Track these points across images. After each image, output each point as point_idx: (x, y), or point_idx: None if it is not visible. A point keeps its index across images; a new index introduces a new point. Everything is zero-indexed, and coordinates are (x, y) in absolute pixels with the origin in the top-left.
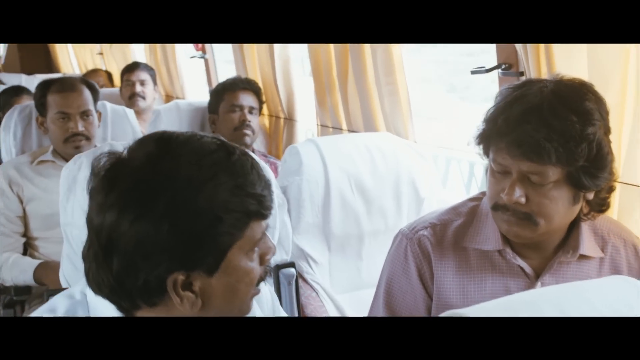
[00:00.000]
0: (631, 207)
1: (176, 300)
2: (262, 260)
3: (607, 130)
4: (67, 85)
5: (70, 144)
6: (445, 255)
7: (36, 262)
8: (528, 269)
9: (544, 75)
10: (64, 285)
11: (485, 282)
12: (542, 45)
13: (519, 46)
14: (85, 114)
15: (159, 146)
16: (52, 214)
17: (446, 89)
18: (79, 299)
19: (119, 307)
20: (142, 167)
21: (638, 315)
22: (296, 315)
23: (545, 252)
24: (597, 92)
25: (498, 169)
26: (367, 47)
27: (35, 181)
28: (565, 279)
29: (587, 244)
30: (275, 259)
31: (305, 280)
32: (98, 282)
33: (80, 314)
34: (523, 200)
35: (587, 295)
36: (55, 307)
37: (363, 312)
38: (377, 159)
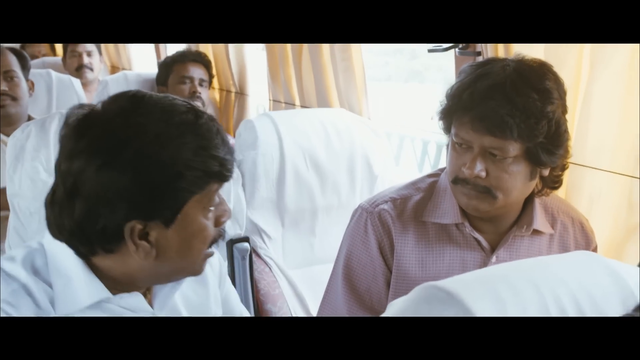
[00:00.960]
0: (579, 186)
1: (132, 248)
2: (218, 222)
3: (565, 110)
4: None
5: None
6: (405, 228)
7: None
8: (484, 243)
9: (501, 55)
10: None
11: (444, 255)
12: None
13: None
14: (8, 75)
15: (132, 102)
16: None
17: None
18: (36, 247)
19: (77, 252)
20: (113, 119)
21: (604, 289)
22: (249, 290)
23: (501, 227)
24: (556, 73)
25: (460, 143)
26: None
27: None
28: (518, 253)
29: (540, 219)
30: (229, 234)
31: (258, 255)
32: (59, 225)
33: (38, 260)
34: (483, 174)
35: (555, 269)
36: (14, 256)
37: (315, 287)
38: (332, 135)
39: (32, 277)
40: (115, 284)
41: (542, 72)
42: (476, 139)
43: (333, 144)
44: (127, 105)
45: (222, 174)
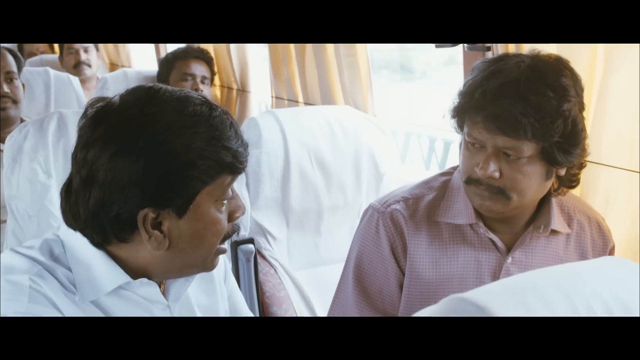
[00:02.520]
0: (594, 184)
1: (145, 236)
2: (231, 217)
3: (582, 107)
4: None
5: None
6: (418, 228)
7: None
8: (499, 243)
9: (512, 50)
10: None
11: (458, 256)
12: None
13: None
14: (9, 76)
15: (148, 94)
16: None
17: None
18: (51, 237)
19: (92, 242)
20: (129, 109)
21: (638, 298)
22: (254, 292)
23: (516, 227)
24: (573, 69)
25: (473, 142)
26: None
27: None
28: (534, 253)
29: (557, 219)
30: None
31: (263, 256)
32: (74, 214)
33: (56, 249)
34: (497, 174)
35: (586, 277)
36: (31, 245)
37: (321, 289)
38: (337, 133)
39: (52, 263)
40: (131, 275)
41: (558, 69)
42: (489, 139)
43: (338, 142)
44: (143, 97)
45: (234, 166)
